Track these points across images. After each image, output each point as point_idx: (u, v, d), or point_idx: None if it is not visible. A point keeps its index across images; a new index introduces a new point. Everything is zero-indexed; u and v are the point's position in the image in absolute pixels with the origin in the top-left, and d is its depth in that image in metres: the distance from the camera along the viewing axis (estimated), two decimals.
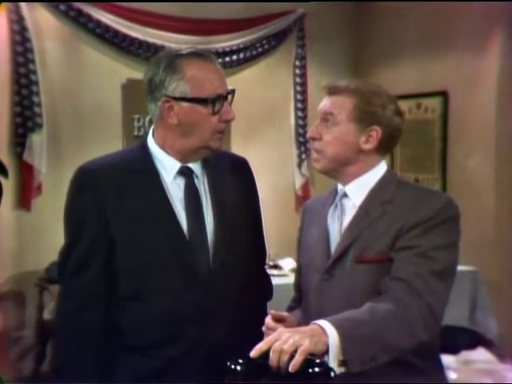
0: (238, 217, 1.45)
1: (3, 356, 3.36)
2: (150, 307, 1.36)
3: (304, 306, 1.40)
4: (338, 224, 1.34)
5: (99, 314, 1.36)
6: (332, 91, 1.35)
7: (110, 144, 3.55)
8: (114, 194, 1.36)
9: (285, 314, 1.35)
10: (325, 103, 1.35)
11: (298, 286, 1.46)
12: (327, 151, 1.32)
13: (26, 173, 3.43)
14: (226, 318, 1.39)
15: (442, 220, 1.25)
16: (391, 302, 1.17)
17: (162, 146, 1.40)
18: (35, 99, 3.41)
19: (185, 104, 1.35)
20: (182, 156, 1.40)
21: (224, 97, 1.38)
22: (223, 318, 1.39)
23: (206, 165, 1.45)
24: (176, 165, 1.40)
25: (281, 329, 1.11)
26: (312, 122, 1.43)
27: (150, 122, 3.76)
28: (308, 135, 1.37)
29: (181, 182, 1.41)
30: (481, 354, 2.13)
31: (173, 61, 1.36)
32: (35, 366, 3.38)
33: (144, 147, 1.43)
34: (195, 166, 1.43)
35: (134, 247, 1.36)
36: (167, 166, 1.40)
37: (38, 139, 3.42)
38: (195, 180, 1.42)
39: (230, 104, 1.40)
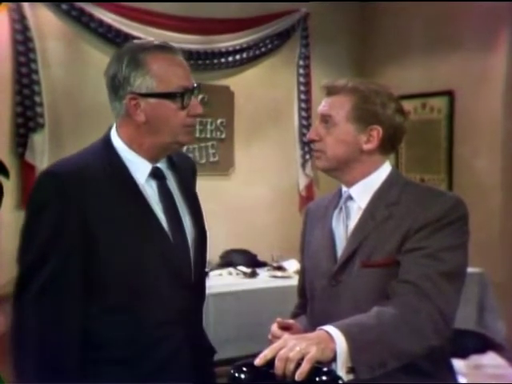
0: (201, 217, 1.46)
1: (5, 358, 3.33)
2: (136, 314, 1.30)
3: (309, 312, 1.37)
4: (343, 228, 1.31)
5: (76, 332, 1.26)
6: (330, 91, 1.32)
7: None
8: (89, 198, 1.27)
9: (291, 321, 1.32)
10: (323, 104, 1.33)
11: (303, 291, 1.43)
12: (328, 152, 1.30)
13: (27, 173, 3.40)
14: (199, 319, 1.43)
15: (450, 220, 1.22)
16: (399, 306, 1.14)
17: (130, 146, 1.34)
18: (37, 99, 3.39)
19: (152, 100, 1.30)
20: (152, 154, 1.35)
21: (191, 91, 1.33)
22: (198, 319, 1.41)
23: (171, 165, 1.42)
24: (147, 166, 1.35)
25: (286, 336, 1.09)
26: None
27: None
28: (308, 137, 1.35)
29: (153, 184, 1.36)
30: (491, 359, 2.10)
31: (136, 55, 1.31)
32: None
33: (109, 146, 1.35)
34: (162, 166, 1.39)
35: (117, 254, 1.28)
36: (138, 167, 1.34)
37: (39, 139, 3.39)
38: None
39: (197, 98, 1.36)
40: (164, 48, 1.34)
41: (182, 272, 1.35)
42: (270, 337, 1.28)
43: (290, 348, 0.99)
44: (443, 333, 1.17)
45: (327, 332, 1.05)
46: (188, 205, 1.41)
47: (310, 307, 1.37)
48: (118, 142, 1.35)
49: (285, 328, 1.28)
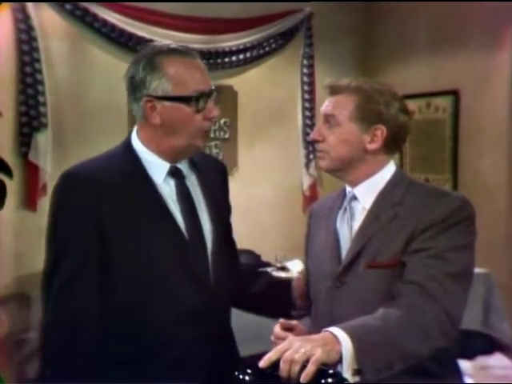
0: (225, 218, 1.47)
1: (8, 358, 3.33)
2: (151, 312, 1.31)
3: (314, 314, 1.36)
4: (347, 228, 1.30)
5: (94, 329, 1.29)
6: (333, 90, 1.31)
7: (115, 144, 3.53)
8: (106, 199, 1.31)
9: (294, 322, 1.31)
10: (326, 104, 1.32)
11: (307, 293, 1.42)
12: (331, 152, 1.29)
13: (31, 173, 3.40)
14: (223, 317, 1.41)
15: (457, 220, 1.21)
16: (405, 307, 1.13)
17: (149, 147, 1.37)
18: (41, 98, 3.39)
19: (167, 103, 1.32)
20: (170, 156, 1.37)
21: (207, 94, 1.33)
22: (220, 318, 1.39)
23: (193, 165, 1.43)
24: (165, 166, 1.37)
25: (291, 337, 1.07)
26: None
27: None
28: (311, 137, 1.34)
29: (171, 183, 1.38)
30: (498, 360, 2.08)
31: (153, 58, 1.33)
32: (40, 369, 3.34)
33: (129, 149, 1.38)
34: (183, 166, 1.40)
35: (134, 252, 1.31)
36: (156, 167, 1.36)
37: (43, 139, 3.39)
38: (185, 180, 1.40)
39: (214, 101, 1.36)
40: (181, 51, 1.34)
41: (198, 272, 1.35)
42: (272, 338, 1.26)
43: (295, 350, 0.98)
44: (450, 334, 1.16)
45: (332, 333, 1.04)
46: (209, 206, 1.41)
47: (314, 309, 1.36)
48: (137, 144, 1.39)
49: (288, 329, 1.27)
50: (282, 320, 1.29)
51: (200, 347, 1.33)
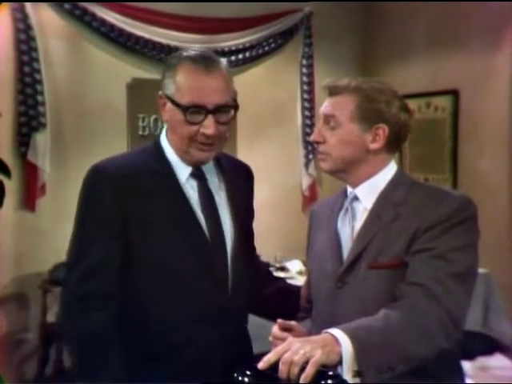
0: (248, 221, 1.49)
1: (7, 359, 3.33)
2: (169, 310, 1.33)
3: (314, 315, 1.35)
4: (349, 229, 1.29)
5: (113, 318, 1.31)
6: (333, 91, 1.30)
7: (114, 143, 3.52)
8: (132, 194, 1.34)
9: (292, 322, 1.30)
10: (326, 104, 1.31)
11: (308, 296, 1.41)
12: (333, 154, 1.28)
13: (30, 173, 3.39)
14: (240, 318, 1.42)
15: (459, 220, 1.20)
16: (407, 309, 1.11)
17: (172, 147, 1.40)
18: (39, 98, 3.38)
19: (169, 104, 1.35)
20: (185, 159, 1.39)
21: (208, 110, 1.32)
22: (237, 319, 1.41)
23: (219, 167, 1.45)
24: (187, 167, 1.39)
25: (291, 338, 1.06)
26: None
27: (155, 122, 3.73)
28: (311, 138, 1.33)
29: (194, 184, 1.40)
30: (498, 361, 2.07)
31: (173, 60, 1.38)
32: (39, 369, 3.34)
33: (158, 147, 1.42)
34: (207, 168, 1.42)
35: (155, 250, 1.33)
36: (180, 167, 1.39)
37: (42, 139, 3.38)
38: (208, 182, 1.41)
39: (217, 119, 1.33)
40: (196, 60, 1.34)
41: (217, 272, 1.36)
42: (271, 338, 1.25)
43: (295, 351, 0.97)
44: (453, 335, 1.14)
45: (333, 335, 1.03)
46: (232, 209, 1.42)
47: (314, 310, 1.35)
48: (165, 143, 1.41)
49: (286, 329, 1.26)
50: (280, 320, 1.28)
51: (216, 347, 1.34)
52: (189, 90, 1.32)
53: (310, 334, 1.25)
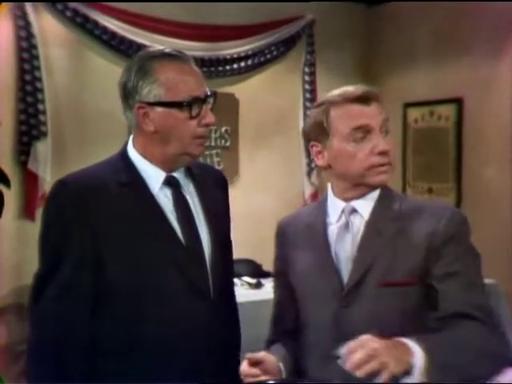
0: (225, 228, 1.44)
1: (6, 370, 3.29)
2: (147, 323, 1.28)
3: (310, 339, 1.28)
4: (349, 244, 1.25)
5: (85, 337, 1.26)
6: (374, 98, 1.25)
7: (115, 152, 3.49)
8: (101, 208, 1.28)
9: (261, 354, 1.23)
10: (374, 112, 1.23)
11: (280, 319, 1.37)
12: (392, 163, 1.26)
13: (30, 182, 3.37)
14: (221, 326, 1.37)
15: (466, 231, 1.23)
16: (471, 335, 1.14)
17: (144, 155, 1.34)
18: (40, 107, 3.36)
19: (160, 109, 1.28)
20: (165, 164, 1.34)
21: (203, 100, 1.30)
22: (219, 327, 1.35)
23: (190, 174, 1.40)
24: (161, 174, 1.34)
25: (369, 339, 1.04)
26: None
27: None
28: (384, 149, 1.22)
29: (168, 192, 1.35)
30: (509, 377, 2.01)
31: (144, 64, 1.30)
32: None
33: (125, 157, 1.36)
34: (179, 175, 1.37)
35: (131, 264, 1.27)
36: (152, 175, 1.33)
37: (42, 147, 3.36)
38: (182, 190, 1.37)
39: (211, 108, 1.32)
40: (173, 56, 1.31)
41: (197, 282, 1.32)
42: (242, 377, 1.19)
43: (372, 355, 1.00)
44: (509, 344, 1.20)
45: (408, 346, 1.04)
46: (207, 215, 1.38)
47: (309, 333, 1.28)
48: (132, 153, 1.36)
49: (255, 364, 1.20)
50: (248, 355, 1.21)
51: (202, 357, 1.31)
52: (184, 85, 1.28)
53: (284, 359, 1.23)
